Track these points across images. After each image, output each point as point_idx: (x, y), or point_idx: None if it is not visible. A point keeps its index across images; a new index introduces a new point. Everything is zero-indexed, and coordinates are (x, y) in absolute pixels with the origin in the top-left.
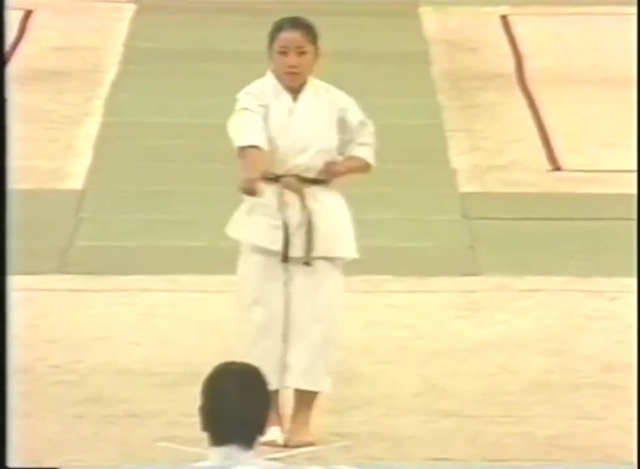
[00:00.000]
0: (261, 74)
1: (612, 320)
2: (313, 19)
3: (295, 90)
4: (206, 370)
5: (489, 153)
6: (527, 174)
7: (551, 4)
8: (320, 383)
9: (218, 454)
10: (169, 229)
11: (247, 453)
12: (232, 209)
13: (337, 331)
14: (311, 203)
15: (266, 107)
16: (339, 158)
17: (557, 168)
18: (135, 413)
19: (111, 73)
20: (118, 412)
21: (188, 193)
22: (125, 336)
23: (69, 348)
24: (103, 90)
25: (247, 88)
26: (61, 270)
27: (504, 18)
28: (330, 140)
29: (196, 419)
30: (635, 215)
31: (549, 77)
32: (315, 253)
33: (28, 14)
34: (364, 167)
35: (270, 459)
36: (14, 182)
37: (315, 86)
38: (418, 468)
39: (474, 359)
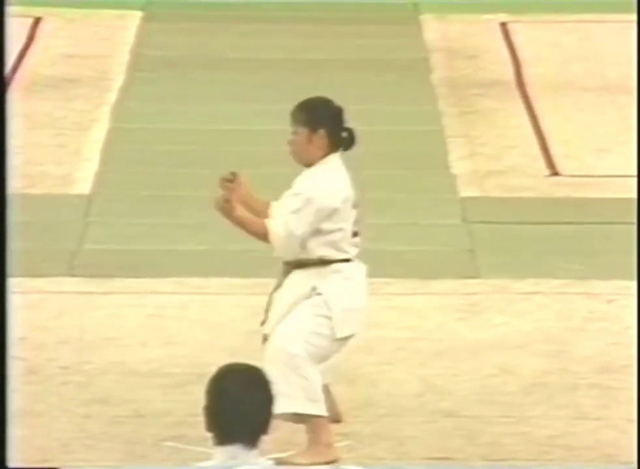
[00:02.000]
0: (267, 82)
1: (609, 322)
2: (313, 28)
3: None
4: (213, 370)
5: (488, 158)
6: (525, 179)
7: (550, 12)
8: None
9: (222, 453)
10: (175, 233)
11: (251, 452)
12: None
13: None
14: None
15: None
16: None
17: (555, 173)
18: (143, 413)
19: (118, 80)
20: (126, 411)
21: (193, 197)
22: (133, 337)
23: (78, 349)
24: (111, 97)
25: None
26: (70, 273)
27: (503, 26)
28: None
29: (201, 419)
30: (633, 220)
31: (547, 84)
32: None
33: (37, 22)
34: (257, 228)
35: (273, 458)
36: (24, 187)
37: (316, 168)
38: (421, 468)
39: (474, 360)
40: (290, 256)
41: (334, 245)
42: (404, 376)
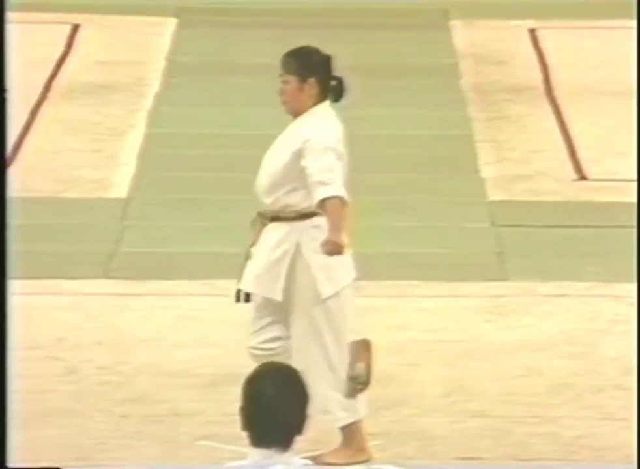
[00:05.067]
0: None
1: (633, 324)
2: (344, 34)
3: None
4: (245, 371)
5: (516, 163)
6: (553, 183)
7: (575, 18)
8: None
9: (257, 453)
10: (208, 236)
11: (285, 453)
12: None
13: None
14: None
15: None
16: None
17: (582, 177)
18: (178, 412)
19: (153, 86)
20: (161, 411)
21: (227, 201)
22: (167, 338)
23: (114, 350)
24: (147, 103)
25: None
26: (107, 275)
27: (531, 32)
28: (276, 168)
29: (235, 418)
30: None
31: (574, 89)
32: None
33: (75, 29)
34: (334, 211)
35: (305, 458)
36: (61, 191)
37: (308, 115)
38: (451, 467)
39: (501, 361)
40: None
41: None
42: (432, 377)
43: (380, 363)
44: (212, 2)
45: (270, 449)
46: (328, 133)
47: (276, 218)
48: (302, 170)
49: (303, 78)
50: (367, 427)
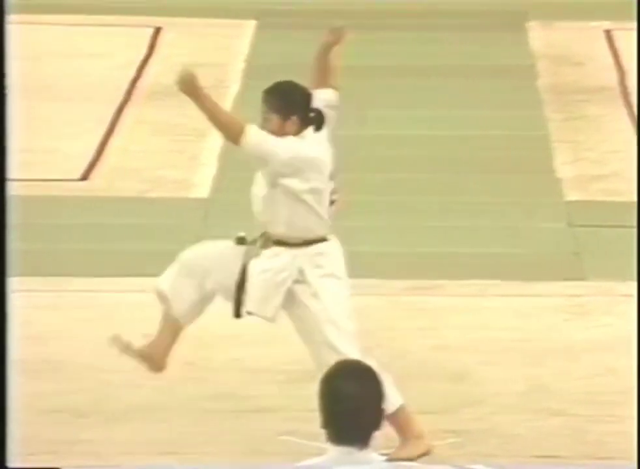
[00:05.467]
0: (379, 88)
1: None
2: (422, 35)
3: None
4: (325, 368)
5: (592, 163)
6: (629, 183)
7: None
8: None
9: (336, 449)
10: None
11: (364, 449)
12: (346, 216)
13: None
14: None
15: None
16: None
17: None
18: (261, 408)
19: (233, 88)
20: (245, 406)
21: None
22: (250, 335)
23: (199, 346)
24: (227, 105)
25: None
26: None
27: (607, 33)
28: (263, 187)
29: (317, 414)
30: None
31: None
32: None
33: (157, 32)
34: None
35: (384, 454)
36: (144, 191)
37: None
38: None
39: (579, 360)
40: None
41: (315, 218)
42: (511, 375)
43: (459, 361)
44: (291, 4)
45: (350, 445)
46: (289, 144)
47: (280, 243)
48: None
49: (285, 116)
50: (447, 424)
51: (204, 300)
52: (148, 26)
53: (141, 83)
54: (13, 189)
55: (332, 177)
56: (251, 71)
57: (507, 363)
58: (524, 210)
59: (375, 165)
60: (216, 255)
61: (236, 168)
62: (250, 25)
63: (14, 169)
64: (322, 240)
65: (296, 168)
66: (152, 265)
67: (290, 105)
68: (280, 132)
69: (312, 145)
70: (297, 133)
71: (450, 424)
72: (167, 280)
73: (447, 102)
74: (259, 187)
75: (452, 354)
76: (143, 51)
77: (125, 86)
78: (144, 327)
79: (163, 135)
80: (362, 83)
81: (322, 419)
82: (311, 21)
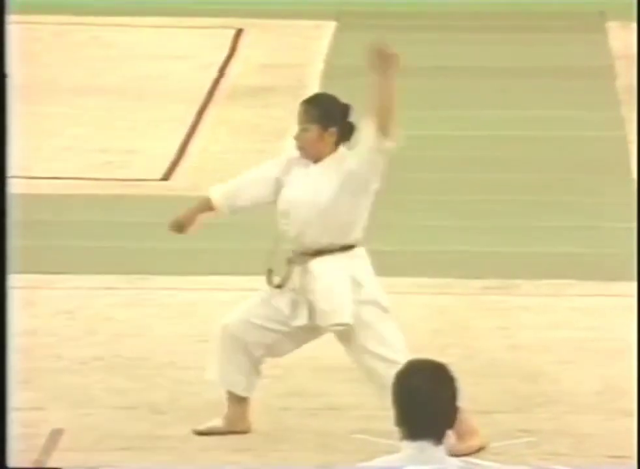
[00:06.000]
0: (456, 89)
1: None
2: (501, 36)
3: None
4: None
5: None
6: None
7: None
8: None
9: (410, 447)
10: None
11: (438, 446)
12: (422, 216)
13: None
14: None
15: (279, 180)
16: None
17: None
18: (335, 406)
19: (313, 88)
20: (319, 404)
21: (383, 200)
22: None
23: None
24: None
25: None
26: (260, 272)
27: None
28: (328, 201)
29: (389, 413)
30: None
31: None
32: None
33: (238, 33)
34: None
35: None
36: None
37: (333, 158)
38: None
39: None
40: None
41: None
42: (585, 375)
43: (534, 361)
44: (371, 4)
45: (423, 440)
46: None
47: (318, 253)
48: (351, 205)
49: (324, 127)
50: (520, 424)
51: (256, 365)
52: (229, 27)
53: (222, 84)
54: (92, 189)
55: None
56: (330, 72)
57: (581, 363)
58: (599, 210)
59: (451, 164)
60: (251, 319)
61: None
62: (330, 26)
63: (96, 170)
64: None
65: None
66: (232, 264)
67: (330, 116)
68: (318, 143)
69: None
70: (335, 145)
71: (524, 423)
72: (213, 368)
73: (525, 103)
74: (322, 194)
75: (527, 354)
76: (225, 52)
77: (206, 87)
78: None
79: (243, 135)
80: (435, 84)
81: (395, 416)
82: (391, 23)
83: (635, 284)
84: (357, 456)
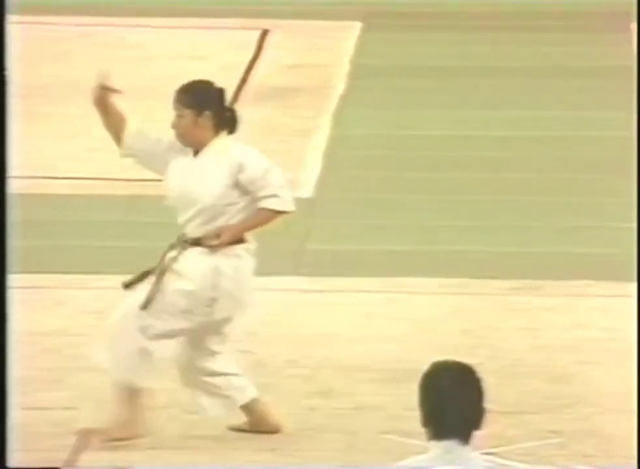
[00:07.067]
0: (478, 90)
1: None
2: (523, 37)
3: (195, 151)
4: (422, 366)
5: None
6: None
7: None
8: None
9: (437, 447)
10: (391, 234)
11: (465, 447)
12: (445, 216)
13: None
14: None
15: (165, 152)
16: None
17: None
18: (362, 406)
19: (338, 88)
20: (346, 404)
21: (409, 200)
22: (349, 333)
23: (302, 344)
24: (332, 105)
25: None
26: (296, 272)
27: None
28: (213, 197)
29: (416, 413)
30: None
31: None
32: None
33: (264, 34)
34: (265, 219)
35: (485, 454)
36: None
37: (217, 147)
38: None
39: None
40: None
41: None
42: (610, 376)
43: (560, 361)
44: (397, 5)
45: (450, 440)
46: (258, 157)
47: (196, 243)
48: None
49: (198, 112)
50: (547, 424)
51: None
52: (255, 28)
53: (248, 84)
54: (120, 190)
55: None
56: (355, 73)
57: (607, 364)
58: (621, 210)
59: (479, 164)
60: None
61: (340, 167)
62: (356, 27)
63: (123, 170)
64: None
65: None
66: (258, 264)
67: (203, 100)
68: (193, 128)
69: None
70: (212, 130)
71: (551, 424)
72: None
73: (545, 103)
74: (206, 192)
75: (553, 354)
76: (251, 53)
77: (232, 87)
78: (249, 325)
79: (270, 135)
80: (453, 84)
81: (422, 417)
82: (416, 23)
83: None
84: (384, 457)
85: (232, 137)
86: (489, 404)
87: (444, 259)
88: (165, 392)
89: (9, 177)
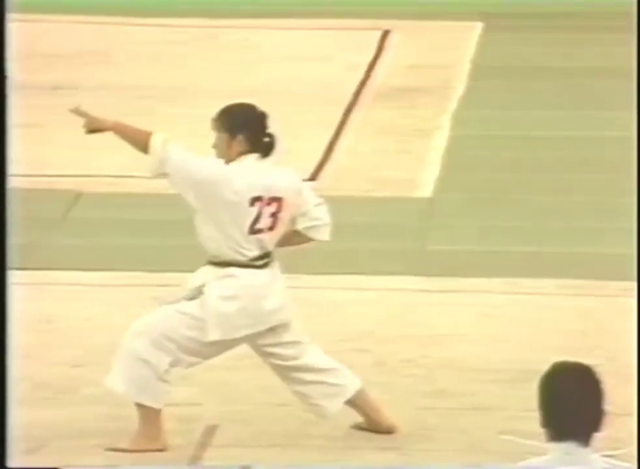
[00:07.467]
0: (596, 92)
1: None
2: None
3: None
4: (541, 367)
5: None
6: None
7: None
8: None
9: (557, 449)
10: (509, 235)
11: (585, 449)
12: (564, 218)
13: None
14: None
15: None
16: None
17: None
18: (480, 406)
19: (458, 89)
20: (464, 404)
21: (529, 201)
22: (467, 334)
23: (418, 344)
24: (452, 105)
25: None
26: (412, 272)
27: None
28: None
29: (535, 414)
30: None
31: None
32: None
33: (385, 34)
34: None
35: (606, 456)
36: (369, 191)
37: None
38: None
39: None
40: (150, 174)
41: (231, 245)
42: None
43: (626, 360)
44: (518, 6)
45: (571, 442)
46: (211, 164)
47: (211, 262)
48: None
49: (232, 135)
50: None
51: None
52: (376, 29)
53: (369, 85)
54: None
55: (252, 203)
56: (476, 73)
57: None
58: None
59: (599, 165)
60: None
61: (459, 168)
62: (476, 27)
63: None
64: (238, 265)
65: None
66: (372, 263)
67: (236, 124)
68: (228, 150)
69: (244, 171)
70: (245, 152)
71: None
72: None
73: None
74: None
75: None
76: (371, 53)
77: (353, 88)
78: (367, 325)
79: (390, 135)
80: (569, 86)
81: (542, 418)
82: (537, 23)
83: None
84: (503, 457)
85: (268, 160)
86: (608, 406)
87: (562, 260)
88: (282, 390)
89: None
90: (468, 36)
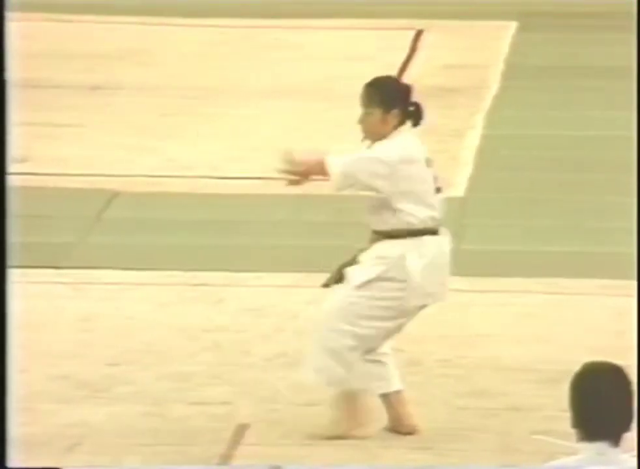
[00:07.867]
0: (628, 90)
1: None
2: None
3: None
4: (577, 368)
5: None
6: None
7: None
8: None
9: (588, 449)
10: (545, 235)
11: (616, 449)
12: (601, 218)
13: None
14: None
15: None
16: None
17: None
18: (516, 406)
19: (493, 88)
20: (500, 404)
21: (564, 201)
22: (505, 334)
23: (456, 344)
24: (486, 105)
25: None
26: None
27: None
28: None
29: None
30: None
31: None
32: None
33: (419, 34)
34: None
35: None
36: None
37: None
38: None
39: None
40: (340, 191)
41: (415, 212)
42: None
43: None
44: (553, 5)
45: (602, 442)
46: (388, 150)
47: (389, 236)
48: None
49: (386, 110)
50: None
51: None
52: (410, 28)
53: None
54: (280, 189)
55: (428, 164)
56: (510, 73)
57: None
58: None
59: (633, 165)
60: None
61: (493, 167)
62: (511, 27)
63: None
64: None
65: (388, 168)
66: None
67: (391, 98)
68: (381, 125)
69: (407, 142)
70: (397, 126)
71: None
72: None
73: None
74: None
75: None
76: (405, 53)
77: None
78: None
79: (425, 135)
80: (606, 84)
81: (573, 418)
82: (571, 23)
83: None
84: (537, 458)
85: (415, 130)
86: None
87: (599, 260)
88: (313, 389)
89: (179, 176)
90: (502, 35)
